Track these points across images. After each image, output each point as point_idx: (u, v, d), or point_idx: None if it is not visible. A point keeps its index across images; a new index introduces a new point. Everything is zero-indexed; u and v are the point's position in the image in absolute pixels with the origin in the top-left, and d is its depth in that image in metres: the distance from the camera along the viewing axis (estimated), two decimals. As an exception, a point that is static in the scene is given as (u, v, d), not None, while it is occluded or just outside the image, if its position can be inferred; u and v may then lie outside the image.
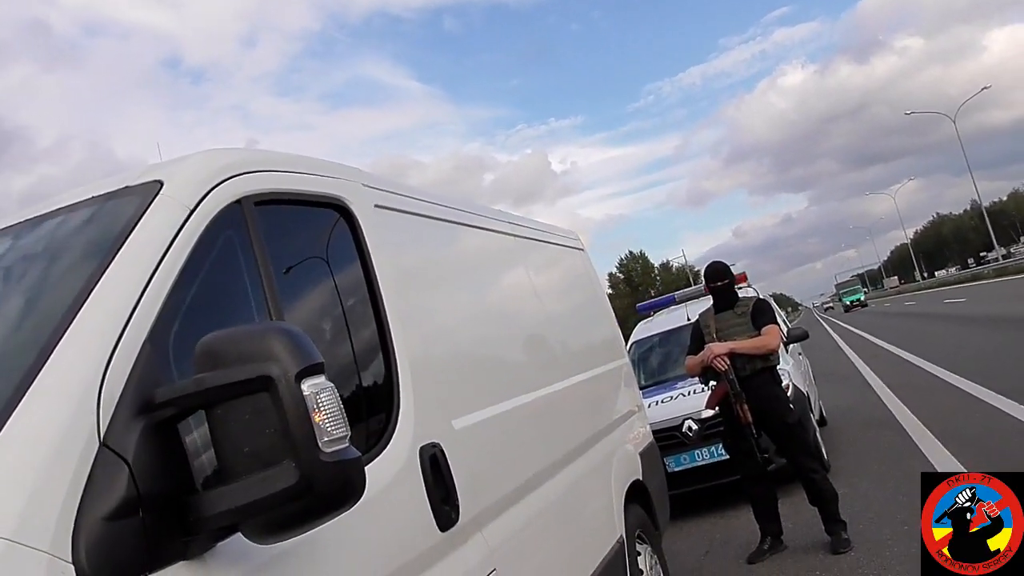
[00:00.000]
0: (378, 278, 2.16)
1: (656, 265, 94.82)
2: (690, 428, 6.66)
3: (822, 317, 65.37)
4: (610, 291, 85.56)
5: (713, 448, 6.52)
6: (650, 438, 4.82)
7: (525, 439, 2.91)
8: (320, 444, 1.28)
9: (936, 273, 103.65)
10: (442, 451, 2.14)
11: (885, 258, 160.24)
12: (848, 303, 78.34)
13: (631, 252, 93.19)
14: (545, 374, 3.34)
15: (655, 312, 9.65)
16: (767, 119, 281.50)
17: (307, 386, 1.29)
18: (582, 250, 4.84)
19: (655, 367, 8.56)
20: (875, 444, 7.49)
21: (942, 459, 5.98)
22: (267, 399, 1.27)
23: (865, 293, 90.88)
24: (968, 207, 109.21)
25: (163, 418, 1.34)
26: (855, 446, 7.67)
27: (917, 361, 12.84)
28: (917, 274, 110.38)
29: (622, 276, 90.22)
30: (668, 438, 6.60)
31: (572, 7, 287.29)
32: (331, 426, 1.30)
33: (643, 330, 9.10)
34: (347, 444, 1.33)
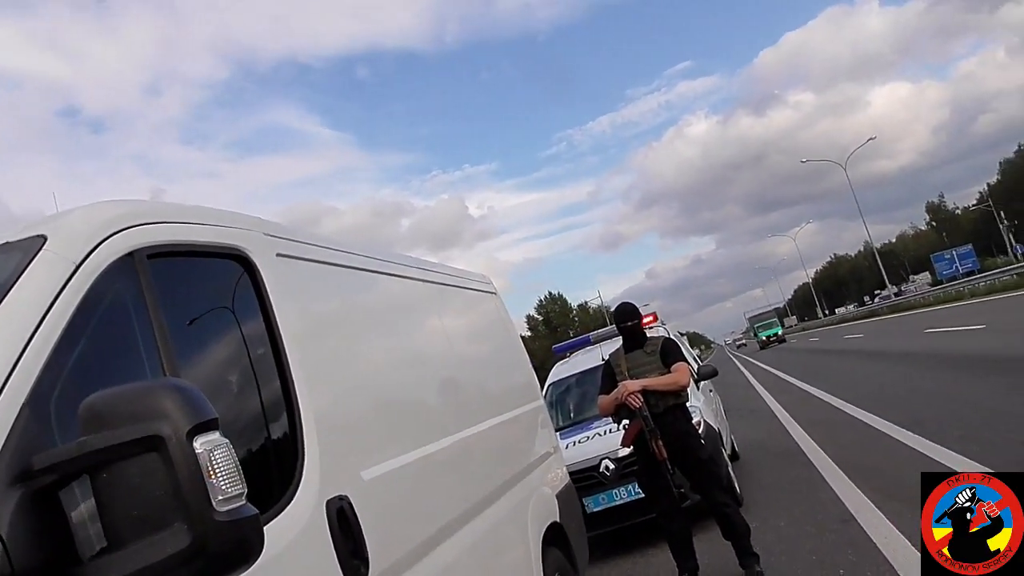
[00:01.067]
0: (281, 329, 2.11)
1: (574, 306, 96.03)
2: (607, 467, 6.70)
3: (734, 354, 67.20)
4: (529, 333, 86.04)
5: (630, 487, 6.56)
6: (567, 479, 4.83)
7: (439, 486, 2.88)
8: (214, 503, 1.24)
9: (836, 310, 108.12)
10: (350, 504, 2.09)
11: (789, 296, 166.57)
12: (764, 338, 67.63)
13: (550, 294, 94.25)
14: (458, 420, 3.32)
15: (571, 353, 9.74)
16: (675, 166, 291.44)
17: (200, 443, 1.24)
18: (495, 294, 4.86)
19: (572, 408, 8.62)
20: (785, 477, 7.69)
21: (846, 490, 6.19)
22: (157, 459, 1.22)
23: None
24: (862, 248, 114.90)
25: (42, 486, 1.27)
26: (766, 480, 7.86)
27: (822, 395, 13.31)
28: (819, 311, 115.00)
29: (541, 318, 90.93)
30: (586, 478, 6.62)
31: (482, 56, 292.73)
32: (226, 484, 1.26)
33: (559, 371, 9.17)
34: (243, 502, 1.29)
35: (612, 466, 6.67)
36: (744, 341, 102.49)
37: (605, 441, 6.79)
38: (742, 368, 32.69)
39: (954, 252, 68.96)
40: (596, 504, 6.68)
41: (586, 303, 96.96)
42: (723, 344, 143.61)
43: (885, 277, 58.37)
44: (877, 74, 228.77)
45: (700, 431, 6.54)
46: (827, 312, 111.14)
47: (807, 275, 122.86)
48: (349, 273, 2.86)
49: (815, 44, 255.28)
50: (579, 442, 7.07)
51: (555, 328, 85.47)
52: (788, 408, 13.01)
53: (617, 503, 6.67)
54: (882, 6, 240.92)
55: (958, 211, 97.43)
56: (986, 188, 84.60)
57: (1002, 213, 67.88)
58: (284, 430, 2.03)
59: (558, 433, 7.34)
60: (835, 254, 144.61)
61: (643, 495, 5.79)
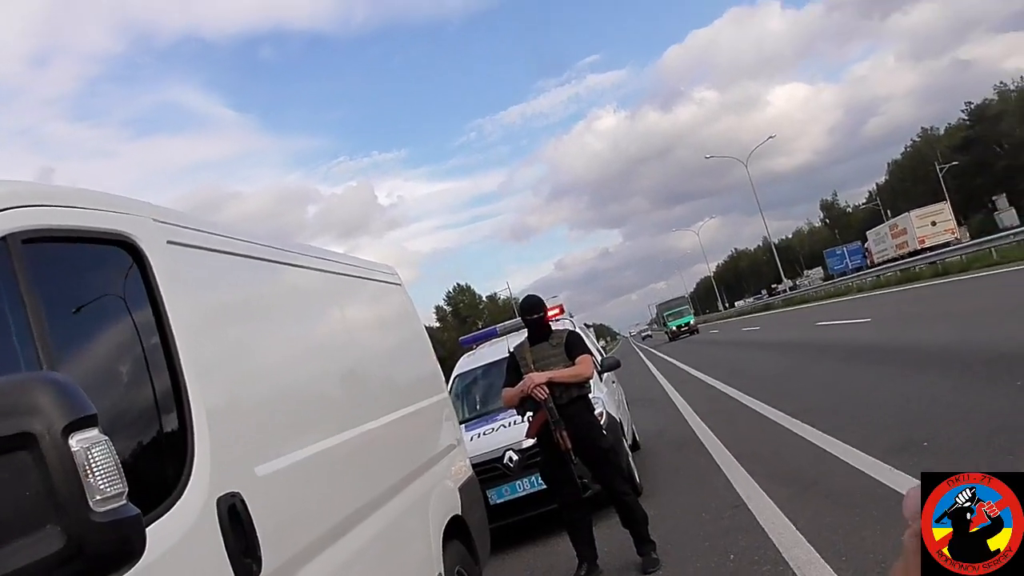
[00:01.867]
0: (171, 320, 2.03)
1: (483, 297, 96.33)
2: (511, 459, 6.76)
3: (638, 346, 68.77)
4: (437, 324, 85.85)
5: (533, 478, 6.64)
6: (470, 472, 4.85)
7: (338, 480, 2.84)
8: (91, 503, 1.18)
9: (736, 303, 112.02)
10: (242, 500, 2.04)
11: (692, 289, 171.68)
12: (674, 328, 59.88)
13: (459, 284, 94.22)
14: (359, 413, 3.28)
15: (478, 345, 9.77)
16: (584, 159, 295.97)
17: (76, 441, 1.19)
18: (400, 285, 4.82)
19: (478, 400, 8.65)
20: (682, 466, 7.94)
21: (739, 477, 6.44)
22: (28, 458, 1.16)
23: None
24: (761, 243, 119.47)
25: None
26: (665, 469, 8.09)
27: (720, 386, 13.79)
28: (719, 304, 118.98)
29: (449, 309, 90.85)
30: (490, 470, 6.67)
31: (394, 42, 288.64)
32: (104, 483, 1.20)
33: (466, 363, 9.18)
34: (123, 501, 1.24)
35: (516, 457, 6.73)
36: (649, 332, 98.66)
37: (509, 433, 6.85)
38: (645, 360, 33.50)
39: (845, 248, 72.56)
40: (499, 496, 6.73)
41: (495, 294, 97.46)
42: (628, 336, 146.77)
43: (781, 271, 60.88)
44: (777, 74, 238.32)
45: (603, 422, 6.68)
46: (727, 305, 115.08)
47: (709, 268, 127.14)
48: (247, 263, 2.78)
49: (720, 42, 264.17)
50: (484, 434, 7.11)
51: (464, 319, 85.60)
52: (687, 398, 13.42)
53: (520, 494, 6.74)
54: (783, 8, 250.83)
55: (849, 209, 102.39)
56: (875, 188, 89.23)
57: (888, 212, 71.72)
58: (173, 426, 1.96)
59: (463, 425, 7.36)
60: (736, 248, 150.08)
61: (546, 486, 5.88)
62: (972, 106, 73.19)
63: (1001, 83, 69.59)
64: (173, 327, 2.03)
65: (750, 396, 10.93)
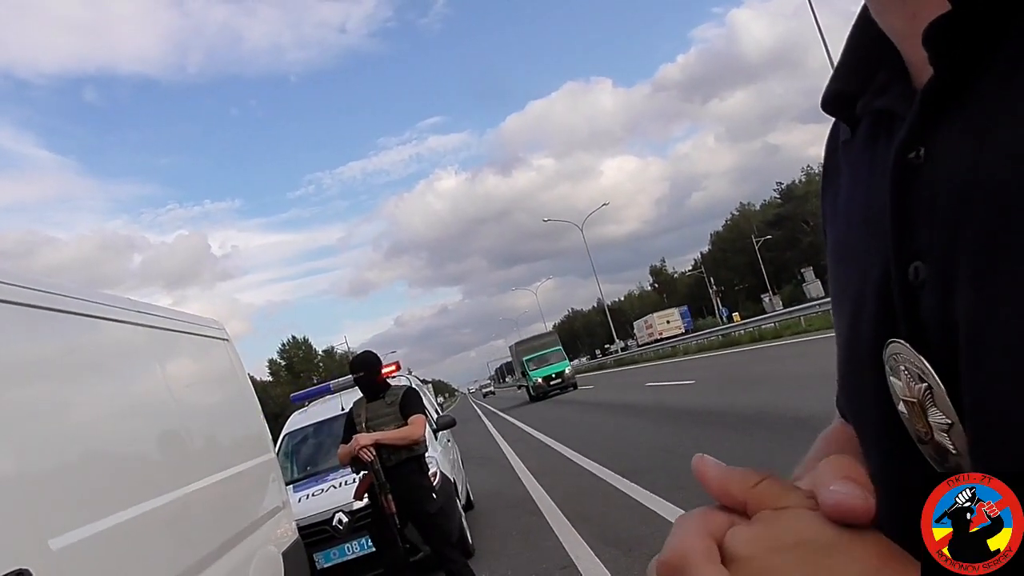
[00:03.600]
0: (-43, 377, 1.85)
1: (320, 351, 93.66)
2: (340, 521, 6.53)
3: (478, 404, 68.83)
4: (270, 378, 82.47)
5: (363, 540, 6.44)
6: (295, 536, 4.65)
7: (148, 550, 2.64)
8: None
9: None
10: (31, 578, 1.85)
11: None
12: (539, 380, 36.53)
13: (293, 337, 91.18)
14: (175, 476, 3.08)
15: (310, 402, 9.44)
16: (424, 217, 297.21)
17: None
18: (226, 340, 4.61)
19: (308, 459, 8.34)
20: (515, 526, 7.96)
21: (569, 537, 6.54)
22: None
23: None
24: (595, 304, 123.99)
25: None
26: (497, 528, 8.09)
27: (554, 444, 14.02)
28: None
29: (283, 363, 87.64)
30: (319, 532, 6.41)
31: (230, 92, 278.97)
32: None
33: (297, 420, 8.85)
34: None
35: (345, 519, 6.51)
36: (491, 388, 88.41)
37: (340, 494, 6.63)
38: (483, 417, 33.59)
39: (674, 312, 76.66)
40: (327, 559, 6.47)
41: (332, 348, 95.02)
42: (467, 392, 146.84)
43: (614, 332, 63.48)
44: (609, 146, 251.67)
45: (436, 482, 6.61)
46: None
47: (546, 327, 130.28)
48: (51, 316, 2.57)
49: (556, 114, 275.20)
50: (313, 495, 6.84)
51: (298, 374, 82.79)
52: (523, 457, 13.54)
53: (349, 557, 6.51)
54: (614, 86, 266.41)
55: (676, 275, 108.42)
56: (699, 256, 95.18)
57: (712, 279, 76.60)
58: (-49, 495, 1.77)
59: (292, 486, 7.07)
60: (572, 308, 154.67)
61: (374, 549, 5.69)
62: (783, 186, 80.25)
63: (808, 166, 76.76)
64: (-41, 386, 1.84)
65: (581, 455, 11.19)
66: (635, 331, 79.83)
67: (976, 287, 0.32)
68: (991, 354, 0.32)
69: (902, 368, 0.37)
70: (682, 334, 57.76)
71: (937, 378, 0.35)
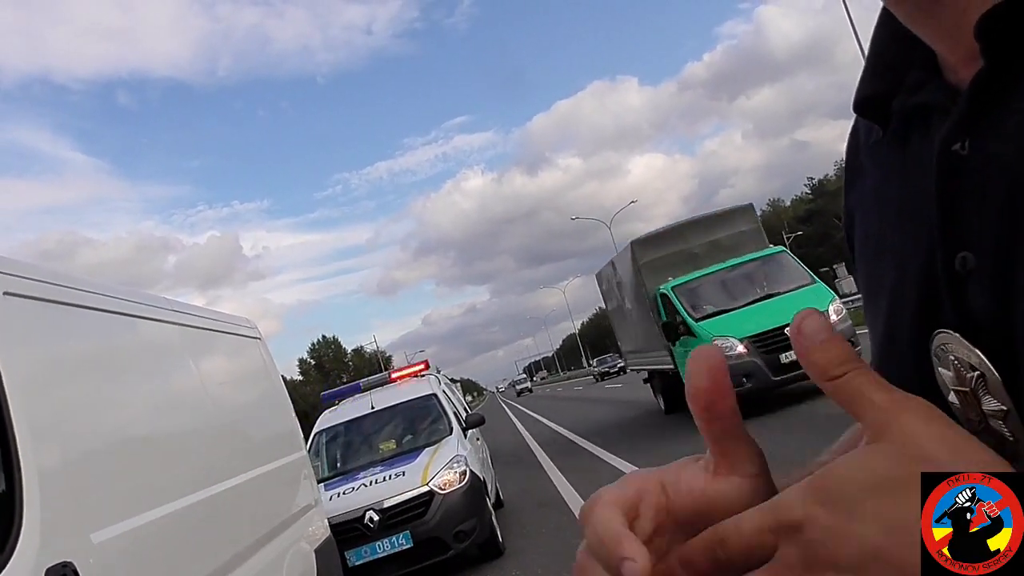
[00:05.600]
0: (3, 375, 1.90)
1: (349, 350, 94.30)
2: (371, 519, 6.58)
3: (508, 403, 68.77)
4: (300, 377, 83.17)
5: (394, 538, 6.49)
6: (327, 534, 4.70)
7: (184, 545, 2.69)
8: None
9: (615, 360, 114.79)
10: (75, 570, 1.90)
11: (558, 346, 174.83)
12: (745, 340, 10.71)
13: (323, 337, 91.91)
14: (210, 473, 3.14)
15: (340, 400, 9.54)
16: (452, 217, 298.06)
17: None
18: (259, 339, 4.68)
19: (339, 457, 8.41)
20: (544, 524, 7.97)
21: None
22: None
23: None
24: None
25: None
26: (528, 527, 8.10)
27: (582, 442, 14.01)
28: (584, 360, 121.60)
29: (313, 362, 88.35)
30: (350, 531, 6.46)
31: (259, 94, 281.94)
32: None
33: (328, 419, 8.93)
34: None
35: (376, 517, 6.57)
36: (528, 384, 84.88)
37: (370, 492, 6.69)
38: (511, 415, 33.64)
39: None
40: (359, 557, 6.52)
41: (361, 347, 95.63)
42: (496, 391, 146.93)
43: (643, 331, 63.12)
44: (636, 145, 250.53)
45: (466, 480, 6.67)
46: (591, 363, 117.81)
47: (574, 326, 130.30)
48: (93, 315, 2.64)
49: (583, 113, 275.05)
50: (344, 493, 6.91)
51: (328, 373, 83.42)
52: (552, 455, 13.54)
53: (380, 555, 6.56)
54: (640, 85, 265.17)
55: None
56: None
57: (741, 277, 75.88)
58: (0, 490, 1.82)
59: (323, 484, 7.14)
60: (600, 307, 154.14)
61: (409, 546, 5.76)
62: (813, 181, 79.36)
63: (841, 160, 75.54)
64: (6, 383, 1.90)
65: (609, 452, 11.17)
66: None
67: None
68: None
69: (951, 358, 0.37)
70: None
71: (991, 365, 0.35)
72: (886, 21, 0.44)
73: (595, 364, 52.77)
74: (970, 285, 0.36)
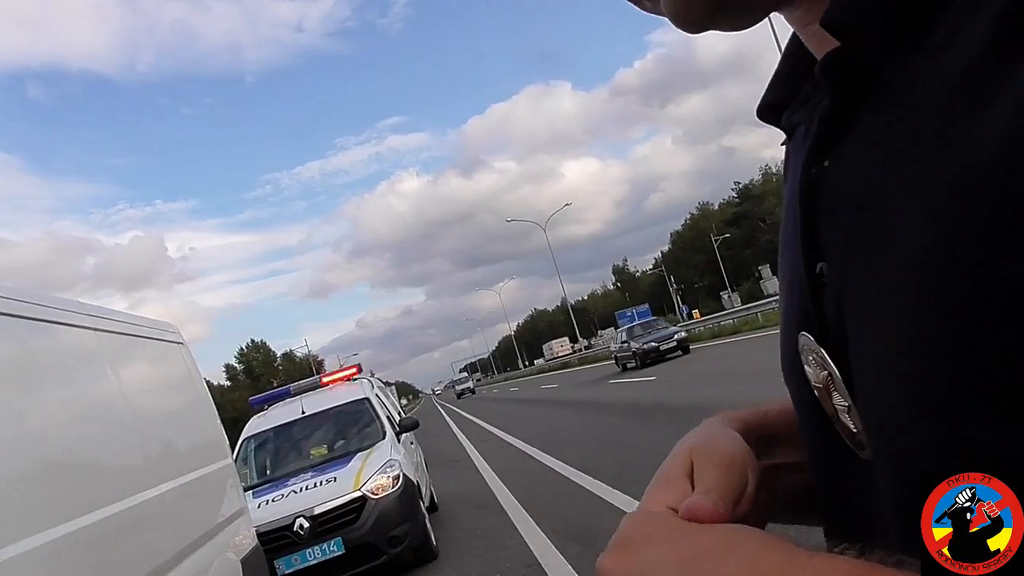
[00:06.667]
0: None
1: (279, 354, 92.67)
2: (302, 526, 6.45)
3: (441, 404, 68.48)
4: (228, 382, 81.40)
5: (326, 545, 6.38)
6: (254, 543, 4.58)
7: (101, 559, 2.58)
8: None
9: (535, 361, 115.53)
10: (-26, 592, 1.79)
11: (495, 347, 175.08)
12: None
13: (252, 341, 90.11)
14: (127, 484, 3.01)
15: (269, 405, 9.33)
16: (387, 219, 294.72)
17: None
18: (182, 344, 4.52)
19: (268, 464, 8.23)
20: (479, 526, 7.95)
21: (533, 536, 6.54)
22: None
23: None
24: (559, 304, 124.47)
25: None
26: (463, 530, 8.06)
27: (517, 443, 14.04)
28: (520, 362, 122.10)
29: (241, 366, 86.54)
30: (279, 539, 6.32)
31: (184, 91, 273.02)
32: None
33: (256, 424, 8.71)
34: None
35: (307, 524, 6.44)
36: (471, 384, 79.27)
37: (301, 499, 6.56)
38: (447, 417, 33.52)
39: (634, 310, 77.11)
40: (289, 565, 6.38)
41: (292, 351, 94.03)
42: (432, 393, 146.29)
43: (578, 331, 63.84)
44: (570, 149, 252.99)
45: (399, 484, 6.60)
46: (527, 363, 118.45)
47: (509, 327, 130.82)
48: (1, 320, 2.50)
49: (518, 117, 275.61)
50: (273, 500, 6.75)
51: (257, 377, 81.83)
52: (487, 457, 13.53)
53: (311, 563, 6.43)
54: (574, 90, 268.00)
55: (638, 274, 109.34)
56: (660, 255, 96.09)
57: (672, 278, 77.35)
58: None
59: (252, 491, 6.97)
60: (535, 309, 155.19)
61: (340, 552, 5.65)
62: (740, 185, 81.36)
63: (766, 166, 77.93)
64: None
65: (546, 453, 11.21)
66: (546, 351, 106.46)
67: (854, 285, 0.38)
68: (863, 345, 0.37)
69: (810, 357, 0.42)
70: (570, 353, 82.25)
71: (833, 366, 0.40)
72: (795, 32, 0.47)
73: (623, 338, 27.40)
74: (825, 292, 0.41)
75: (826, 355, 0.40)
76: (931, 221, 0.32)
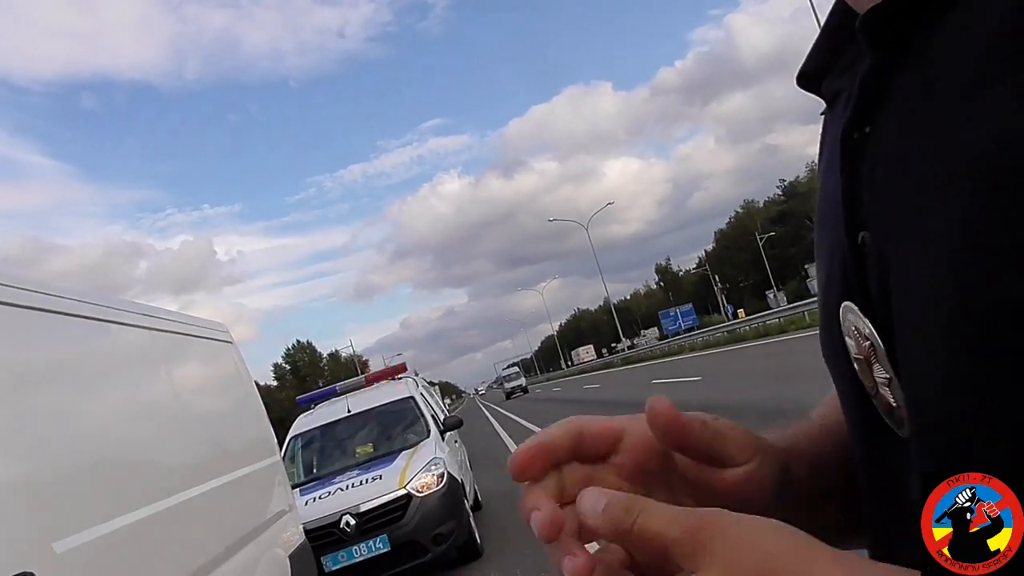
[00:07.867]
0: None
1: (324, 355, 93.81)
2: (348, 523, 6.53)
3: (486, 405, 68.55)
4: (275, 382, 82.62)
5: (371, 542, 6.45)
6: (302, 539, 4.64)
7: (152, 554, 2.64)
8: None
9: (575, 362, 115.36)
10: (36, 581, 1.85)
11: (537, 347, 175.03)
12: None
13: (298, 342, 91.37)
14: (180, 479, 3.08)
15: (316, 404, 9.45)
16: (429, 220, 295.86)
17: None
18: (231, 343, 4.61)
19: (314, 462, 8.34)
20: (523, 525, 7.89)
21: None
22: None
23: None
24: (601, 303, 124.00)
25: None
26: (507, 530, 8.07)
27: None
28: (562, 362, 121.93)
29: (288, 367, 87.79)
30: (326, 535, 6.41)
31: (228, 98, 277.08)
32: None
33: (303, 423, 8.84)
34: None
35: (353, 522, 6.51)
36: (522, 381, 70.93)
37: (346, 496, 6.64)
38: (489, 417, 33.60)
39: (678, 310, 76.58)
40: (335, 562, 6.47)
41: (337, 352, 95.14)
42: (475, 393, 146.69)
43: (620, 331, 63.45)
44: (611, 148, 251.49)
45: (443, 482, 6.64)
46: (569, 363, 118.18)
47: (552, 327, 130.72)
48: (60, 320, 2.58)
49: (558, 117, 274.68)
50: (320, 498, 6.84)
51: (304, 377, 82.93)
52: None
53: (357, 559, 6.51)
54: (615, 90, 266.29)
55: (681, 273, 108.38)
56: (704, 254, 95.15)
57: (716, 277, 76.61)
58: (-44, 499, 1.76)
59: (299, 489, 7.07)
60: (577, 308, 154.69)
61: (386, 550, 5.71)
62: (786, 183, 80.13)
63: (812, 163, 76.60)
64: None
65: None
66: (576, 356, 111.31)
67: (897, 255, 0.37)
68: (907, 316, 0.36)
69: (852, 328, 0.41)
70: (593, 359, 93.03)
71: (877, 336, 0.39)
72: None
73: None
74: (868, 261, 0.40)
75: (870, 325, 0.39)
76: (971, 188, 0.32)
